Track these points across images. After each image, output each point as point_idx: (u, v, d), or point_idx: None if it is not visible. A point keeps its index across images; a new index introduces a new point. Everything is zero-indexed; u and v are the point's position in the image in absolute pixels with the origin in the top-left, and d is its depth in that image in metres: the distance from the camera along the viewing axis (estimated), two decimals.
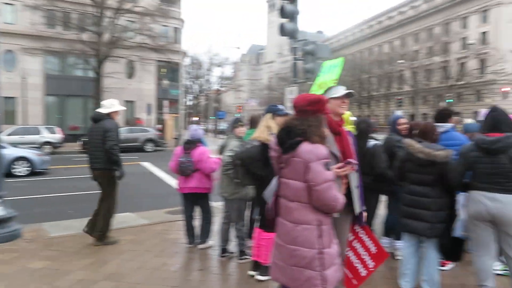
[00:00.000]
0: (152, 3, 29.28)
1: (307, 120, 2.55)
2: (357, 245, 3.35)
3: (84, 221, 5.81)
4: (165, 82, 29.78)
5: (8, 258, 4.94)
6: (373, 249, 3.29)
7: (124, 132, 23.36)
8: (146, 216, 7.12)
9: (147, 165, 16.10)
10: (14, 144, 14.82)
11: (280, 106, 4.28)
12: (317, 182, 2.41)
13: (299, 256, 2.48)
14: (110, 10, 26.52)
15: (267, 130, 3.98)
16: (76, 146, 23.64)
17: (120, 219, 6.89)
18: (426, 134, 3.84)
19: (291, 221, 2.55)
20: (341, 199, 2.48)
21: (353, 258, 3.38)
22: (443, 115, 4.80)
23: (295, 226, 2.52)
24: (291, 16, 8.44)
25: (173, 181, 11.32)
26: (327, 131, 2.76)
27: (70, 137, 25.74)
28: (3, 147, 9.24)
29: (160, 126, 30.28)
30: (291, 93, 8.78)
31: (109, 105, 5.52)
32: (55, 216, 7.33)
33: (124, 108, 6.28)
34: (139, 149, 22.72)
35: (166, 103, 29.81)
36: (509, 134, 3.33)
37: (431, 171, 3.68)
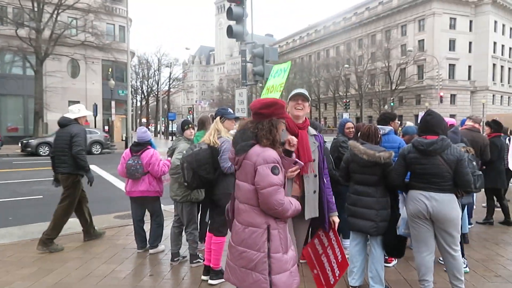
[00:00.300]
0: (96, 0, 28.22)
1: (260, 123, 2.57)
2: (329, 251, 3.37)
3: (25, 228, 5.50)
4: (112, 82, 28.78)
5: None
6: (339, 256, 3.31)
7: None
8: (94, 221, 6.85)
9: (94, 168, 15.46)
10: None
11: (229, 110, 4.32)
12: (262, 185, 2.42)
13: (247, 258, 2.49)
14: (50, 5, 25.25)
15: (216, 133, 4.00)
16: (16, 148, 22.23)
17: (65, 225, 6.61)
18: (369, 136, 4.03)
19: (240, 222, 2.58)
20: (288, 204, 2.47)
21: (326, 264, 3.41)
22: (385, 118, 5.09)
23: (244, 228, 2.54)
24: (238, 18, 8.51)
25: (121, 185, 10.99)
26: (288, 134, 2.81)
27: (9, 139, 24.14)
28: None
29: (107, 127, 29.22)
30: (241, 95, 8.85)
31: (76, 110, 5.59)
32: None
33: (91, 113, 6.15)
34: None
35: (113, 104, 28.82)
36: (443, 137, 3.59)
37: (374, 172, 3.87)
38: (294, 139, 2.77)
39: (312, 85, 62.90)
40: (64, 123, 5.50)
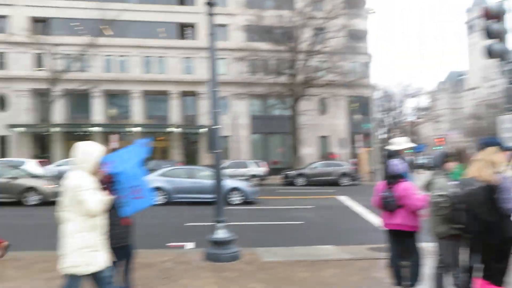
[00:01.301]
0: (340, 42, 30.41)
1: None
2: None
3: (293, 250, 6.20)
4: (357, 116, 30.03)
5: (233, 276, 5.70)
6: None
7: (320, 166, 24.40)
8: (348, 251, 7.15)
9: (343, 199, 16.29)
10: (228, 176, 17.25)
11: (497, 139, 3.80)
12: None
13: None
14: (302, 54, 28.79)
15: (491, 167, 3.56)
16: (277, 179, 25.88)
17: (323, 252, 7.15)
18: None
19: None
20: None
21: None
22: None
23: None
24: (499, 36, 7.59)
25: (371, 217, 11.12)
26: None
27: (272, 171, 28.32)
28: (223, 179, 10.95)
29: (355, 160, 30.36)
30: (506, 122, 7.69)
31: (398, 143, 5.94)
32: (264, 242, 8.07)
33: (411, 145, 6.54)
34: (334, 183, 23.24)
35: (359, 137, 29.88)
36: None
37: None
38: None
39: None
40: (391, 154, 5.61)
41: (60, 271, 3.58)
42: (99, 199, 3.53)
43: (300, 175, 23.75)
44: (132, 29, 32.62)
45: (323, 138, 34.61)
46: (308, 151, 32.76)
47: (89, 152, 3.64)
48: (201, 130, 32.52)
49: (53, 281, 5.35)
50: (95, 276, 3.61)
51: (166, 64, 33.88)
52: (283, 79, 29.21)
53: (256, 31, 29.47)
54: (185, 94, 33.94)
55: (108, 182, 4.05)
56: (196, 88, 33.52)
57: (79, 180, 3.48)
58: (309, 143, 33.32)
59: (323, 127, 34.28)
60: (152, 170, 15.32)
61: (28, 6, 32.17)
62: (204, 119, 33.32)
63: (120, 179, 4.21)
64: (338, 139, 32.19)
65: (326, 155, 32.27)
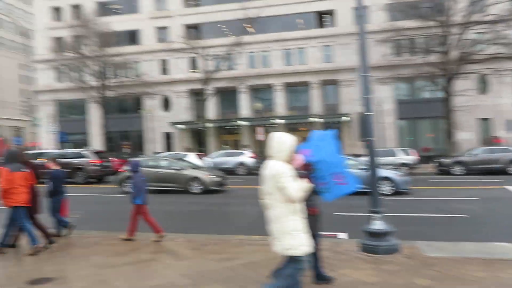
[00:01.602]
0: (504, 7, 26.03)
1: None
2: None
3: (461, 246, 5.58)
4: None
5: (394, 270, 5.39)
6: None
7: (482, 153, 21.55)
8: None
9: None
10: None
11: None
12: None
13: None
14: (456, 27, 25.60)
15: None
16: (429, 167, 23.81)
17: (498, 249, 6.28)
18: None
19: None
20: None
21: None
22: None
23: None
24: None
25: None
26: None
27: (423, 159, 26.16)
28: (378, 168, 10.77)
29: None
30: None
31: None
32: (421, 235, 7.44)
33: None
34: (501, 172, 20.23)
35: None
36: None
37: None
38: None
39: None
40: None
41: (273, 253, 3.89)
42: (299, 186, 3.72)
43: (458, 163, 21.30)
44: (272, 24, 33.83)
45: (484, 120, 30.51)
46: (465, 136, 29.28)
47: (283, 142, 3.83)
48: (343, 119, 31.96)
49: (223, 262, 5.88)
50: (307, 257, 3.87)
51: (306, 55, 34.15)
52: (433, 58, 26.48)
53: (401, 9, 27.33)
54: (325, 83, 33.76)
55: (307, 170, 4.24)
56: (336, 76, 33.03)
57: (279, 168, 3.70)
58: (466, 127, 29.76)
59: (484, 108, 30.18)
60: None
61: (182, 15, 36.10)
62: (345, 107, 32.67)
63: (320, 167, 4.46)
64: (505, 121, 27.99)
65: (489, 140, 28.35)
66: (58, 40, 37.47)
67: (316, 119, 31.83)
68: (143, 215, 7.36)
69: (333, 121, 32.41)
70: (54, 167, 7.73)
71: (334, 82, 33.50)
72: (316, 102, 33.75)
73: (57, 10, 39.57)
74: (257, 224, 7.81)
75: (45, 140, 37.63)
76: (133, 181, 7.46)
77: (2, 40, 60.30)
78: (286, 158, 3.78)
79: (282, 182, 3.62)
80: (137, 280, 5.24)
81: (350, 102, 31.75)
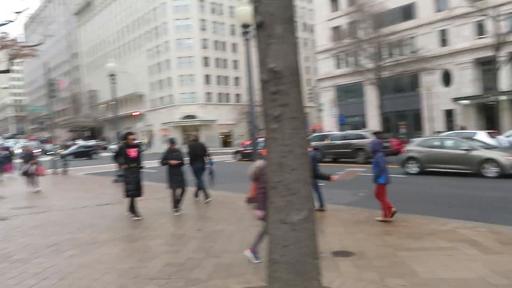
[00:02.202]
0: None
1: None
2: None
3: None
4: None
5: None
6: None
7: None
8: None
9: None
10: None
11: None
12: None
13: None
14: None
15: None
16: None
17: None
18: None
19: None
20: None
21: None
22: None
23: None
24: None
25: None
26: None
27: None
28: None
29: None
30: None
31: None
32: None
33: None
34: None
35: None
36: None
37: None
38: None
39: None
40: None
41: None
42: None
43: None
44: None
45: None
46: None
47: None
48: None
49: None
50: None
51: None
52: None
53: None
54: None
55: None
56: None
57: None
58: None
59: None
60: None
61: None
62: None
63: None
64: None
65: None
66: (336, 29, 39.96)
67: None
68: (380, 194, 7.43)
69: None
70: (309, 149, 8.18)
71: None
72: None
73: (334, 1, 42.27)
74: None
75: (327, 123, 41.31)
76: (375, 161, 7.45)
77: None
78: None
79: None
80: (438, 268, 4.77)
81: None
